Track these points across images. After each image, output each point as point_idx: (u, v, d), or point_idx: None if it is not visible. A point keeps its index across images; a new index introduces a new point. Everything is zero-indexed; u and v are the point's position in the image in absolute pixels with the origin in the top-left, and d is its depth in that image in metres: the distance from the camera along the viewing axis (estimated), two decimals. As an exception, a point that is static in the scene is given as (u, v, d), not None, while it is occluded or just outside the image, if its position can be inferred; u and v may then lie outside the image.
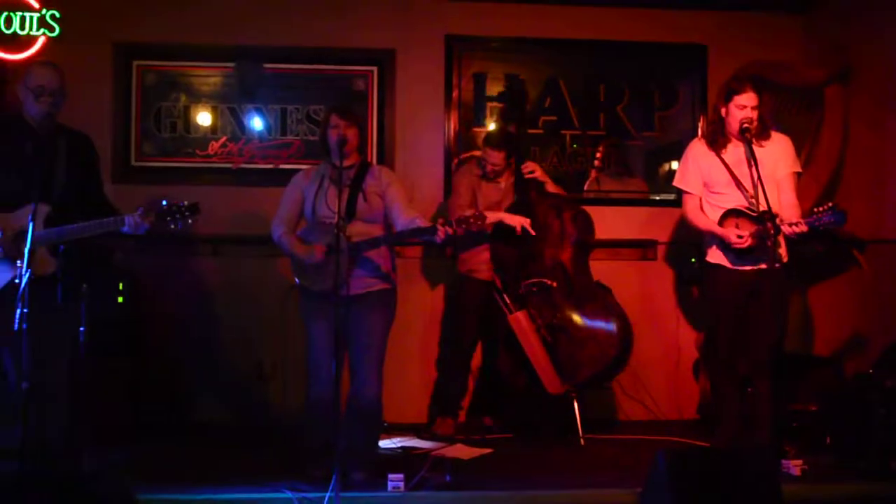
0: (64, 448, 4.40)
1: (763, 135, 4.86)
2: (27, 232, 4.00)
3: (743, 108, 4.78)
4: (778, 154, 4.88)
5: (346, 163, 4.51)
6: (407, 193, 4.71)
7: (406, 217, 4.45)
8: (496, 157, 5.64)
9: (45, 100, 4.34)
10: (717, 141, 4.91)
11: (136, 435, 5.39)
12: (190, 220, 4.30)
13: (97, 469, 4.13)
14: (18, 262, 3.97)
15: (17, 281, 3.95)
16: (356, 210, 4.48)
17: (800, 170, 4.99)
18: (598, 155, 6.47)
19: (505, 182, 5.75)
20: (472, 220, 4.24)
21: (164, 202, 4.26)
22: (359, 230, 4.42)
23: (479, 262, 5.71)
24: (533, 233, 5.48)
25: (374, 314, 4.49)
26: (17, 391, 3.99)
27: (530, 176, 5.64)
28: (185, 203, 4.28)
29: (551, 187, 5.75)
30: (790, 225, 4.59)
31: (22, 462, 3.95)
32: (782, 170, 4.88)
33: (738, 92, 4.81)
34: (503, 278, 5.63)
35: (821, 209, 4.54)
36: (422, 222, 4.38)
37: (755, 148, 4.76)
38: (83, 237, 4.26)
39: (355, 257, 4.38)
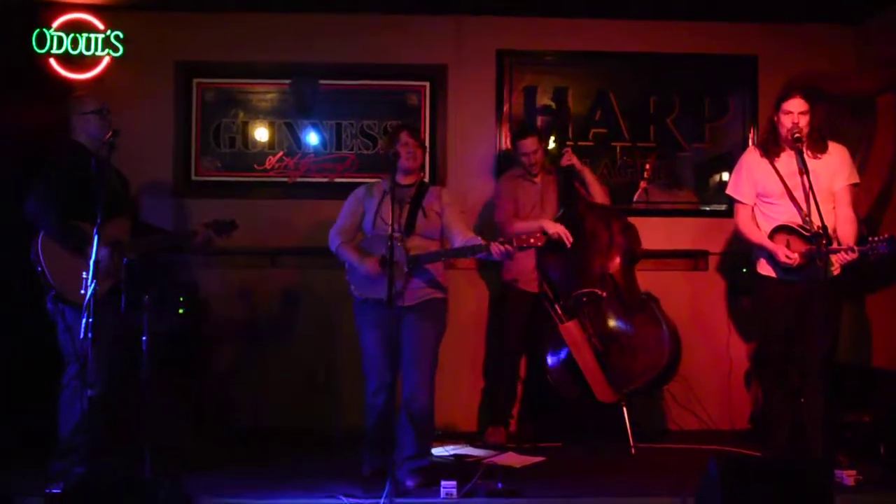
0: (126, 453, 4.57)
1: (819, 146, 4.84)
2: (122, 243, 4.59)
3: (789, 113, 4.76)
4: (835, 166, 4.84)
5: (408, 181, 4.69)
6: (466, 215, 4.86)
7: (463, 236, 4.60)
8: (529, 145, 5.71)
9: (108, 116, 4.75)
10: (769, 149, 4.90)
11: (194, 441, 5.52)
12: (231, 234, 5.08)
13: (158, 474, 4.24)
14: (84, 273, 4.17)
15: (81, 292, 4.15)
16: (415, 226, 4.62)
17: (857, 180, 4.93)
18: (648, 167, 6.48)
19: (541, 179, 5.80)
20: (530, 241, 4.33)
21: (215, 218, 5.06)
22: (416, 244, 4.56)
23: (524, 271, 5.75)
24: (568, 244, 5.42)
25: (427, 323, 4.61)
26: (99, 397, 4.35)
27: (567, 164, 5.68)
28: (224, 220, 5.08)
29: (589, 176, 5.76)
30: (844, 251, 4.56)
31: (87, 466, 4.11)
32: (839, 182, 4.84)
33: (786, 98, 4.80)
34: (553, 288, 5.67)
35: (876, 238, 4.49)
36: (480, 240, 4.50)
37: (812, 160, 4.74)
38: (165, 246, 4.98)
39: (412, 269, 4.51)
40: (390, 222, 4.45)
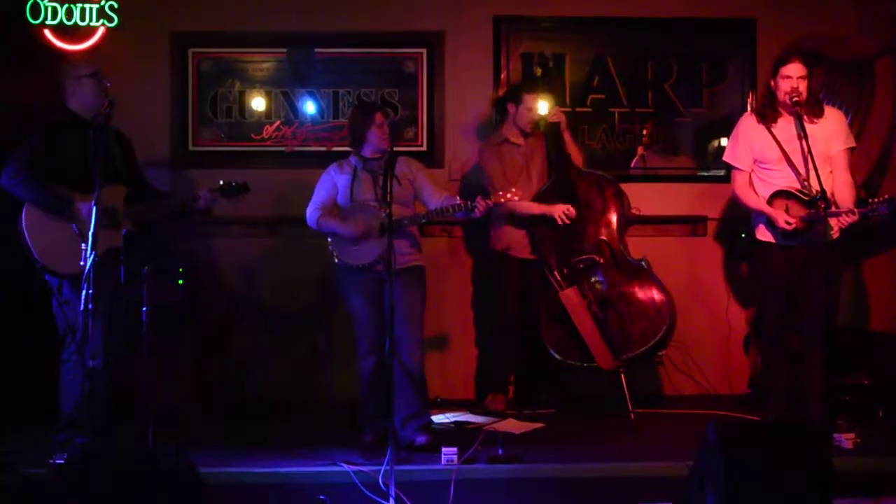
0: (128, 423, 4.61)
1: (815, 110, 4.82)
2: (117, 211, 4.55)
3: (788, 78, 4.73)
4: (831, 130, 4.83)
5: (378, 154, 4.86)
6: (435, 179, 5.16)
7: (439, 196, 4.88)
8: (533, 100, 5.68)
9: (103, 80, 4.70)
10: (766, 115, 4.89)
11: (195, 411, 5.54)
12: (243, 196, 4.94)
13: (160, 443, 4.26)
14: (83, 244, 4.17)
15: (81, 264, 4.15)
16: (392, 194, 4.66)
17: (854, 145, 4.93)
18: (646, 132, 6.46)
19: (525, 142, 5.77)
20: (507, 195, 4.65)
21: (221, 181, 4.89)
22: (394, 211, 4.59)
23: (516, 238, 5.73)
24: (569, 220, 5.49)
25: (412, 287, 4.82)
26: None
27: (553, 119, 5.68)
28: (235, 182, 4.92)
29: (569, 138, 5.74)
30: (844, 214, 4.58)
31: (89, 437, 4.13)
32: (836, 146, 4.82)
33: (785, 63, 4.78)
34: (553, 255, 5.66)
35: (877, 200, 4.52)
36: (459, 200, 4.72)
37: (809, 125, 4.73)
38: (164, 213, 4.82)
39: (394, 234, 4.57)
40: (368, 193, 4.81)
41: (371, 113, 4.86)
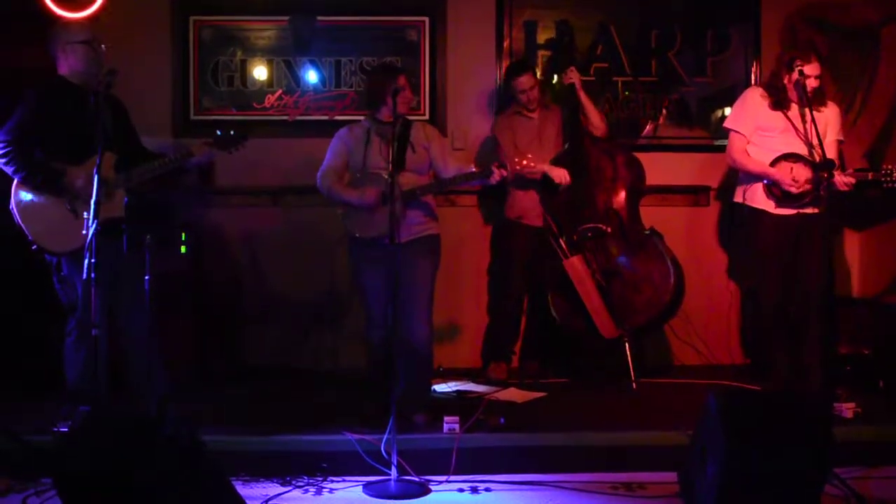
0: (133, 393, 4.62)
1: (821, 99, 5.02)
2: (107, 180, 4.31)
3: (810, 77, 4.90)
4: (828, 120, 5.04)
5: (390, 119, 4.67)
6: (449, 146, 5.00)
7: (455, 165, 4.72)
8: (525, 83, 5.67)
9: (98, 47, 4.56)
10: (782, 103, 5.03)
11: (198, 381, 5.57)
12: (243, 145, 4.71)
13: (164, 412, 4.27)
14: (85, 213, 4.14)
15: (83, 232, 4.12)
16: (405, 161, 4.64)
17: (843, 139, 5.14)
18: (664, 111, 6.38)
19: (538, 115, 5.77)
20: (530, 166, 4.57)
21: (219, 131, 4.67)
22: (408, 180, 4.58)
23: (529, 207, 5.75)
24: (567, 183, 5.50)
25: (423, 259, 4.69)
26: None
27: (568, 82, 5.65)
28: (233, 132, 4.70)
29: (587, 101, 5.66)
30: (846, 174, 4.76)
31: (92, 406, 4.14)
32: (830, 136, 5.02)
33: (805, 63, 4.90)
34: (557, 224, 5.66)
35: (890, 167, 4.78)
36: (474, 167, 4.61)
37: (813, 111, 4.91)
38: (158, 175, 4.58)
39: (407, 204, 4.56)
40: (381, 160, 4.63)
41: (395, 75, 4.70)
